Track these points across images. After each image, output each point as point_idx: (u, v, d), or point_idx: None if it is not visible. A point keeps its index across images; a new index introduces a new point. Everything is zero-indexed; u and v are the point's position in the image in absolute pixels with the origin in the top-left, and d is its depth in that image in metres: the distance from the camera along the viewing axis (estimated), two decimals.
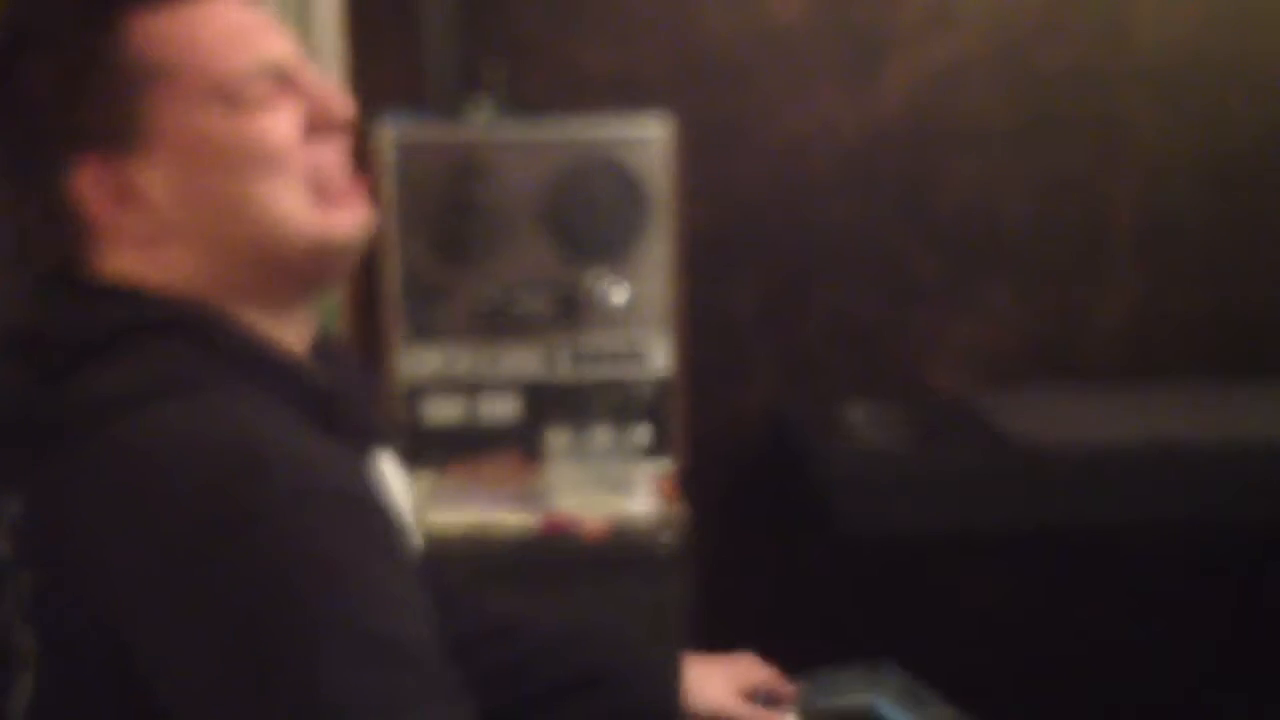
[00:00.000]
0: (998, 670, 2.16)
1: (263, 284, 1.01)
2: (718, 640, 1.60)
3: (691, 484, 2.14)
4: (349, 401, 1.04)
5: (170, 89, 0.97)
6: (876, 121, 2.38)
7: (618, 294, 2.15)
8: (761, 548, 2.42)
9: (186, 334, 0.97)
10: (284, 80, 1.01)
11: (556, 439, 2.06)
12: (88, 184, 0.98)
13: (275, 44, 1.01)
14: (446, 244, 2.16)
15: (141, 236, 0.99)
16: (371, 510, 0.93)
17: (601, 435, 2.06)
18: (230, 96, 0.98)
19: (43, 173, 0.99)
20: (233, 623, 0.86)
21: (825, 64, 2.36)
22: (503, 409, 2.18)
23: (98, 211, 0.98)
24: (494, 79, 2.22)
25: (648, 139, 2.15)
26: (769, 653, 1.59)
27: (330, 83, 1.04)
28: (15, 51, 0.99)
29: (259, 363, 0.98)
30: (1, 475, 0.98)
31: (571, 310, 2.16)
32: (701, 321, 2.33)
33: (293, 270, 1.01)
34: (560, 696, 1.40)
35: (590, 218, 2.14)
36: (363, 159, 2.28)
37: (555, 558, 1.94)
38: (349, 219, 1.03)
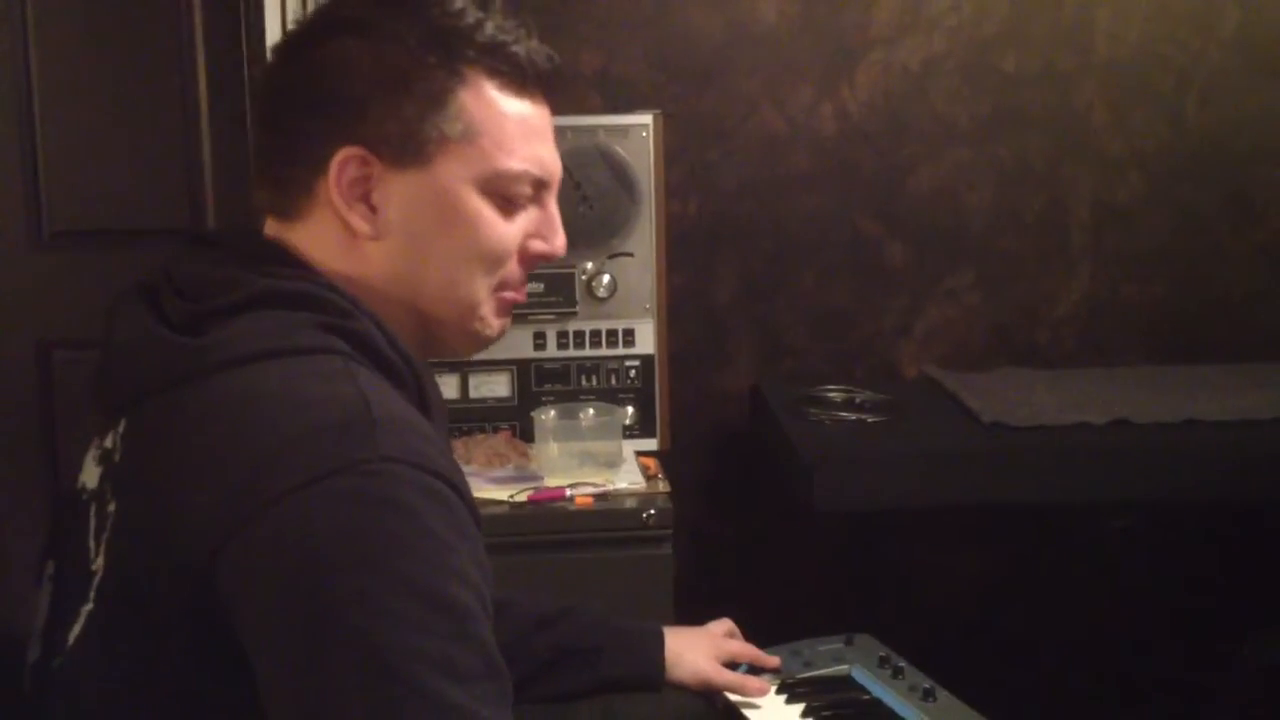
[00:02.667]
0: (969, 641, 2.22)
1: (412, 327, 1.07)
2: (699, 613, 1.65)
3: (673, 462, 2.20)
4: (438, 393, 1.10)
5: (460, 145, 1.04)
6: (850, 118, 2.43)
7: (606, 280, 2.22)
8: (740, 523, 2.48)
9: (326, 308, 1.01)
10: (538, 192, 1.09)
11: (545, 417, 2.09)
12: (345, 164, 1.02)
13: (551, 159, 1.09)
14: None
15: (349, 231, 1.04)
16: (460, 490, 0.95)
17: (588, 414, 2.11)
18: (497, 186, 1.06)
19: (320, 133, 1.03)
20: (312, 570, 0.86)
21: (802, 64, 2.41)
22: (493, 388, 2.24)
23: (334, 191, 1.03)
24: None
25: (634, 133, 2.21)
26: (748, 625, 1.65)
27: (558, 215, 1.12)
28: (357, 29, 1.04)
29: (382, 350, 1.02)
30: (110, 408, 1.03)
31: (561, 294, 2.22)
32: (684, 307, 2.40)
33: (440, 338, 1.09)
34: (546, 672, 1.43)
35: (579, 206, 2.19)
36: None
37: (543, 532, 1.96)
38: (503, 326, 1.13)
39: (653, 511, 1.97)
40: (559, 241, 1.12)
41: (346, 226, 1.04)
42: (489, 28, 1.05)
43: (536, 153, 1.08)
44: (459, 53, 1.04)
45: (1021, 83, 2.45)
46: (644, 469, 2.10)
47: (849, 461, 2.01)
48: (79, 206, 2.40)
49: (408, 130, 1.03)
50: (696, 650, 1.54)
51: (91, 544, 0.99)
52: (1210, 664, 1.91)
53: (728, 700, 1.53)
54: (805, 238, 2.47)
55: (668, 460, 2.19)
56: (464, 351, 1.14)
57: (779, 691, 1.55)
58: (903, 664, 1.60)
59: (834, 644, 1.67)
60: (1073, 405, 2.12)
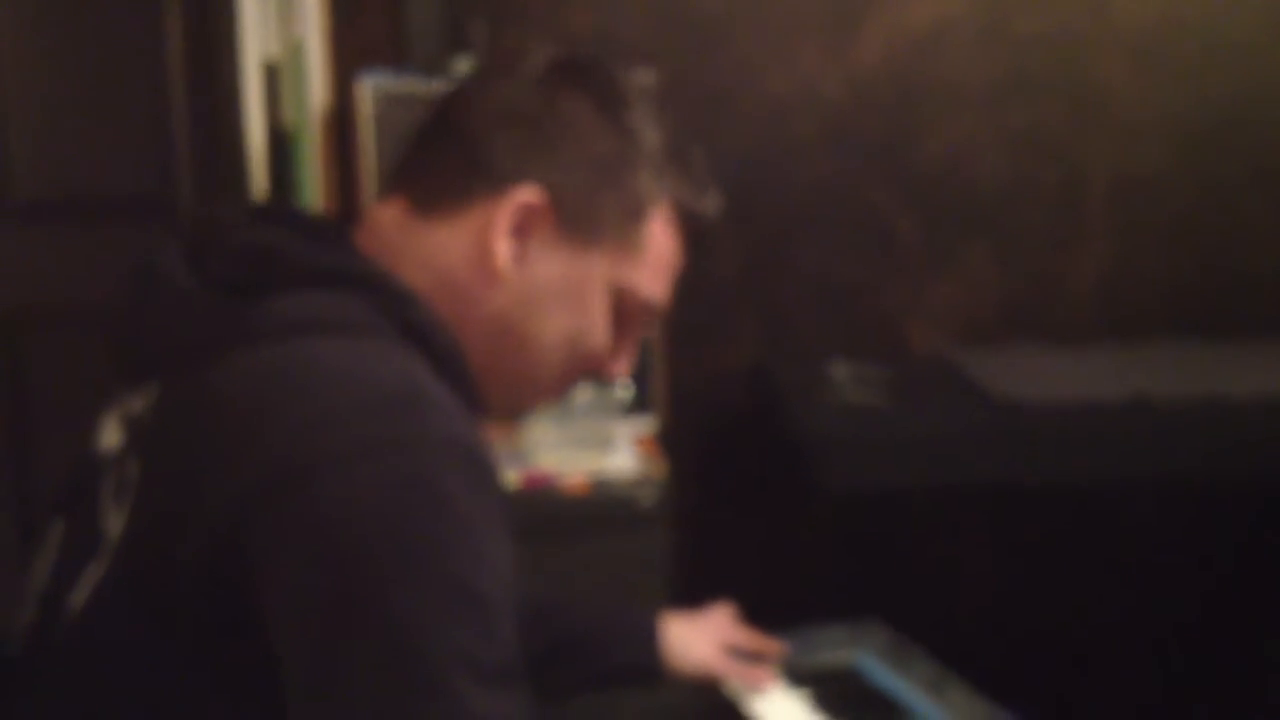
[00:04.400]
0: (980, 626, 2.19)
1: (470, 372, 1.05)
2: (699, 598, 1.60)
3: (672, 442, 2.15)
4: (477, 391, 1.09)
5: (624, 251, 1.08)
6: (856, 82, 2.38)
7: None
8: (742, 505, 2.42)
9: (386, 292, 1.01)
10: (647, 319, 1.14)
11: None
12: (527, 196, 1.04)
13: (667, 299, 1.14)
14: None
15: (480, 253, 1.05)
16: (498, 482, 0.94)
17: (583, 393, 2.06)
18: (628, 302, 1.10)
19: (517, 160, 1.05)
20: (348, 548, 0.86)
21: (806, 24, 2.35)
22: None
23: (501, 213, 1.04)
24: (476, 37, 2.20)
25: None
26: (751, 610, 1.60)
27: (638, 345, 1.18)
28: (600, 100, 1.08)
29: (435, 341, 1.01)
30: (139, 369, 1.01)
31: None
32: (684, 280, 2.33)
33: (488, 396, 1.07)
34: (542, 666, 1.38)
35: None
36: (342, 116, 2.26)
37: (536, 514, 1.94)
38: (546, 403, 1.17)
39: (648, 494, 1.94)
40: (625, 369, 1.17)
41: (481, 247, 1.05)
42: (696, 169, 1.12)
43: (667, 290, 1.13)
44: (670, 179, 1.09)
45: (1036, 46, 2.39)
46: (640, 449, 2.05)
47: (857, 443, 2.01)
48: (45, 175, 2.35)
49: (594, 210, 1.07)
50: (697, 638, 1.50)
51: (107, 506, 0.98)
52: (1242, 653, 1.87)
53: (730, 690, 1.47)
54: (810, 208, 2.42)
55: (666, 442, 2.14)
56: (487, 415, 1.13)
57: (784, 680, 1.48)
58: (912, 651, 1.54)
59: (840, 631, 1.62)
60: (1089, 383, 2.10)
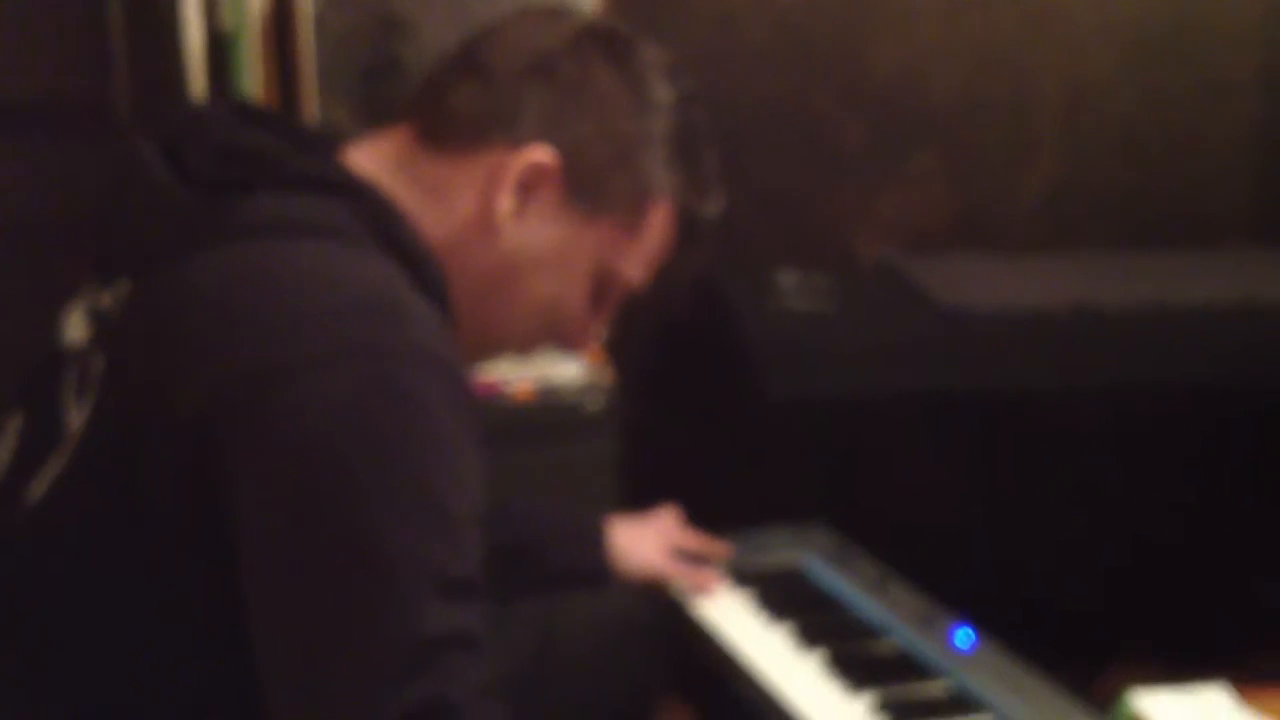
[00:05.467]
0: (924, 530, 2.20)
1: (447, 291, 1.04)
2: (647, 504, 1.60)
3: (620, 349, 2.13)
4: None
5: (620, 230, 1.07)
6: None
7: None
8: (689, 412, 2.40)
9: (368, 202, 0.99)
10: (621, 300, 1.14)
11: None
12: (540, 155, 1.03)
13: (642, 278, 1.13)
14: (369, 107, 2.10)
15: (481, 200, 1.04)
16: (472, 397, 0.94)
17: None
18: (609, 281, 1.10)
19: (537, 116, 1.04)
20: (322, 450, 0.85)
21: None
22: None
23: (512, 163, 1.03)
24: None
25: (577, 3, 2.11)
26: (697, 515, 1.61)
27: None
28: (628, 76, 1.07)
29: (415, 255, 1.00)
30: (112, 265, 1.00)
31: None
32: None
33: (462, 335, 1.04)
34: (490, 568, 1.41)
35: None
36: (281, 18, 2.20)
37: (483, 422, 1.92)
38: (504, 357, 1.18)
39: (595, 401, 1.94)
40: (586, 343, 1.17)
41: (484, 196, 1.04)
42: (706, 170, 1.12)
43: (648, 273, 1.13)
44: (678, 174, 1.09)
45: None
46: (588, 358, 2.03)
47: (803, 351, 2.00)
48: None
49: (603, 186, 1.06)
50: (643, 541, 1.51)
51: (69, 400, 0.96)
52: (1187, 556, 1.90)
53: (676, 591, 1.48)
54: (760, 116, 2.38)
55: (613, 349, 2.11)
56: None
57: (729, 581, 1.49)
58: (855, 552, 1.56)
59: (785, 533, 1.64)
60: (1035, 291, 2.10)
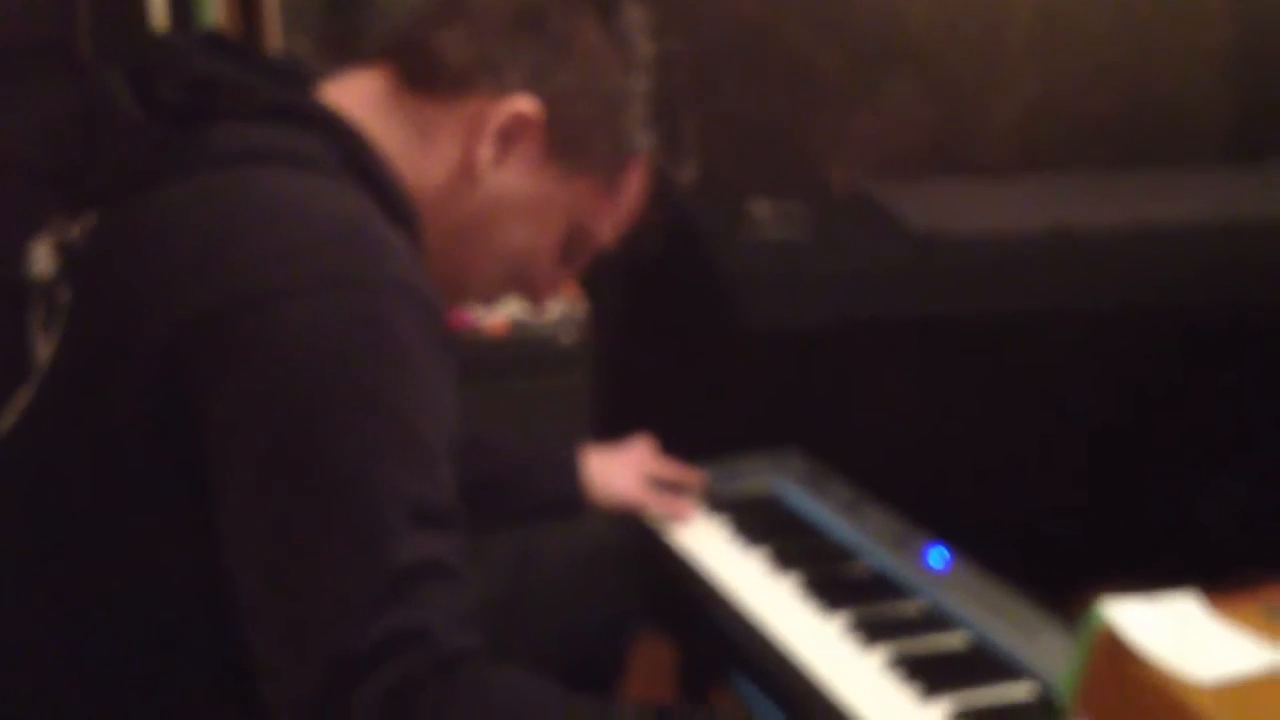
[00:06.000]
0: (900, 456, 2.20)
1: (419, 225, 1.03)
2: (622, 436, 1.59)
3: (594, 283, 2.12)
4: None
5: (597, 190, 1.08)
6: None
7: None
8: (664, 345, 2.40)
9: (337, 136, 0.98)
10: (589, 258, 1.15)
11: None
12: (524, 107, 1.02)
13: (613, 237, 1.14)
14: (333, 41, 2.07)
15: (462, 149, 1.03)
16: (447, 330, 0.94)
17: None
18: (580, 240, 1.11)
19: (522, 67, 1.03)
20: (297, 382, 0.85)
21: None
22: None
23: (494, 115, 1.02)
24: None
25: None
26: (673, 446, 1.60)
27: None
28: (613, 32, 1.06)
29: (387, 188, 0.99)
30: (79, 197, 0.99)
31: None
32: None
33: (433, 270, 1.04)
34: (466, 499, 1.41)
35: None
36: None
37: (457, 357, 1.91)
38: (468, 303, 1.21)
39: (570, 334, 1.92)
40: (551, 296, 1.18)
41: (464, 142, 1.03)
42: (685, 136, 1.12)
43: (618, 232, 1.14)
44: (657, 136, 1.09)
45: None
46: (561, 291, 2.00)
47: (777, 280, 1.99)
48: None
49: (585, 142, 1.06)
50: (618, 470, 1.51)
51: (36, 334, 0.96)
52: (1162, 483, 1.91)
53: (652, 519, 1.48)
54: (732, 44, 2.34)
55: (586, 282, 2.09)
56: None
57: (704, 508, 1.49)
58: (830, 477, 1.56)
59: (759, 460, 1.63)
60: (1010, 215, 2.08)
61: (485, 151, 1.03)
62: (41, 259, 1.00)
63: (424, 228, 1.03)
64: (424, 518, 0.86)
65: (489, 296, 1.17)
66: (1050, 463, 1.98)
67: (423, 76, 1.04)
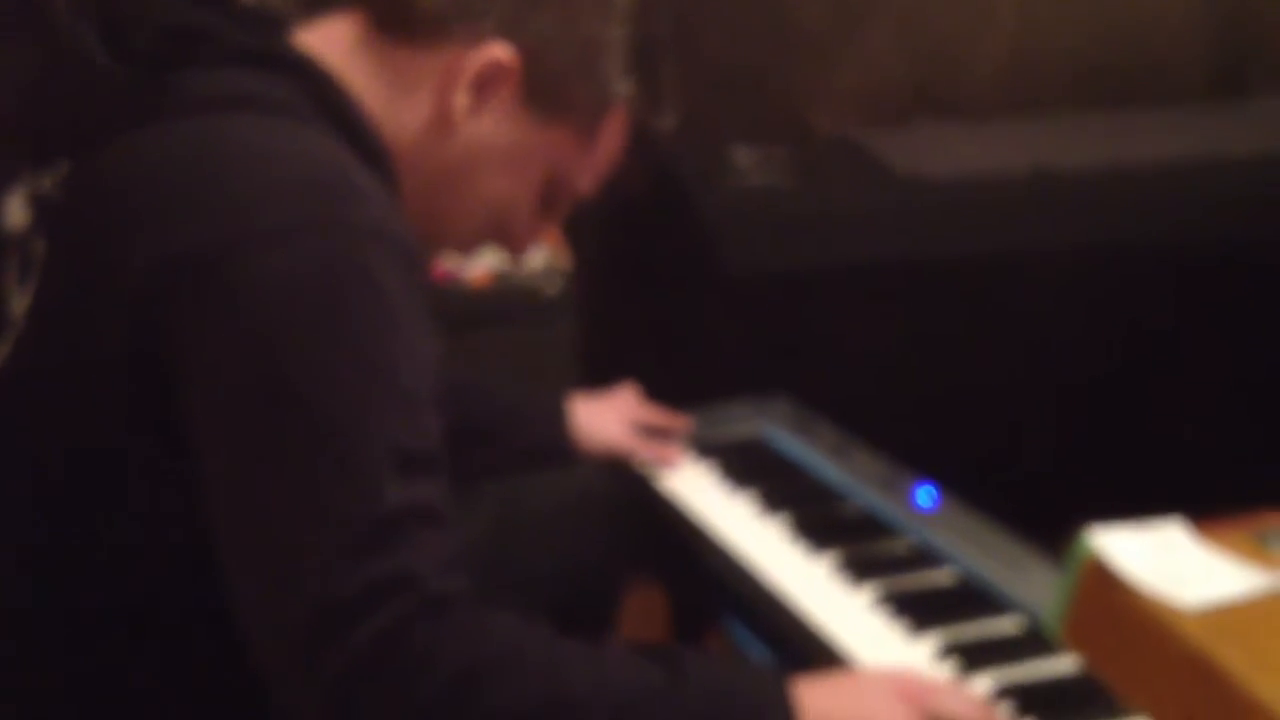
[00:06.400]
0: (885, 398, 2.21)
1: (394, 171, 1.02)
2: (607, 386, 1.60)
3: (577, 232, 2.11)
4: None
5: (574, 139, 1.06)
6: None
7: None
8: (648, 293, 2.39)
9: (311, 81, 0.97)
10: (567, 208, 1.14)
11: None
12: (500, 55, 1.01)
13: (592, 188, 1.13)
14: None
15: (436, 98, 1.01)
16: (425, 276, 0.95)
17: None
18: (560, 190, 1.10)
19: (498, 16, 1.02)
20: (273, 330, 0.84)
21: None
22: None
23: (469, 63, 1.00)
24: None
25: None
26: (659, 394, 1.60)
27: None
28: None
29: (362, 133, 0.98)
30: (50, 147, 0.98)
31: None
32: None
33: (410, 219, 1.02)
34: (452, 449, 1.40)
35: None
36: None
37: (440, 309, 1.90)
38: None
39: (554, 285, 1.91)
40: (529, 246, 1.16)
41: (440, 90, 1.02)
42: (665, 85, 1.12)
43: (597, 182, 1.13)
44: (639, 84, 1.08)
45: None
46: (545, 242, 2.00)
47: (760, 226, 1.97)
48: None
49: (563, 91, 1.04)
50: (604, 418, 1.51)
51: (11, 287, 0.95)
52: (1147, 424, 1.92)
53: (640, 466, 1.48)
54: None
55: (570, 232, 2.08)
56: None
57: (691, 454, 1.49)
58: (817, 420, 1.56)
59: (746, 405, 1.63)
60: (992, 157, 2.07)
61: (461, 100, 1.02)
62: (14, 212, 0.99)
63: (400, 177, 1.02)
64: (407, 463, 0.85)
65: (466, 246, 1.17)
66: (1037, 402, 1.98)
67: (397, 23, 1.02)
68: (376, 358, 0.86)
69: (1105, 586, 0.77)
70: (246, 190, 0.88)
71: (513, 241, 1.15)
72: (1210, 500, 0.99)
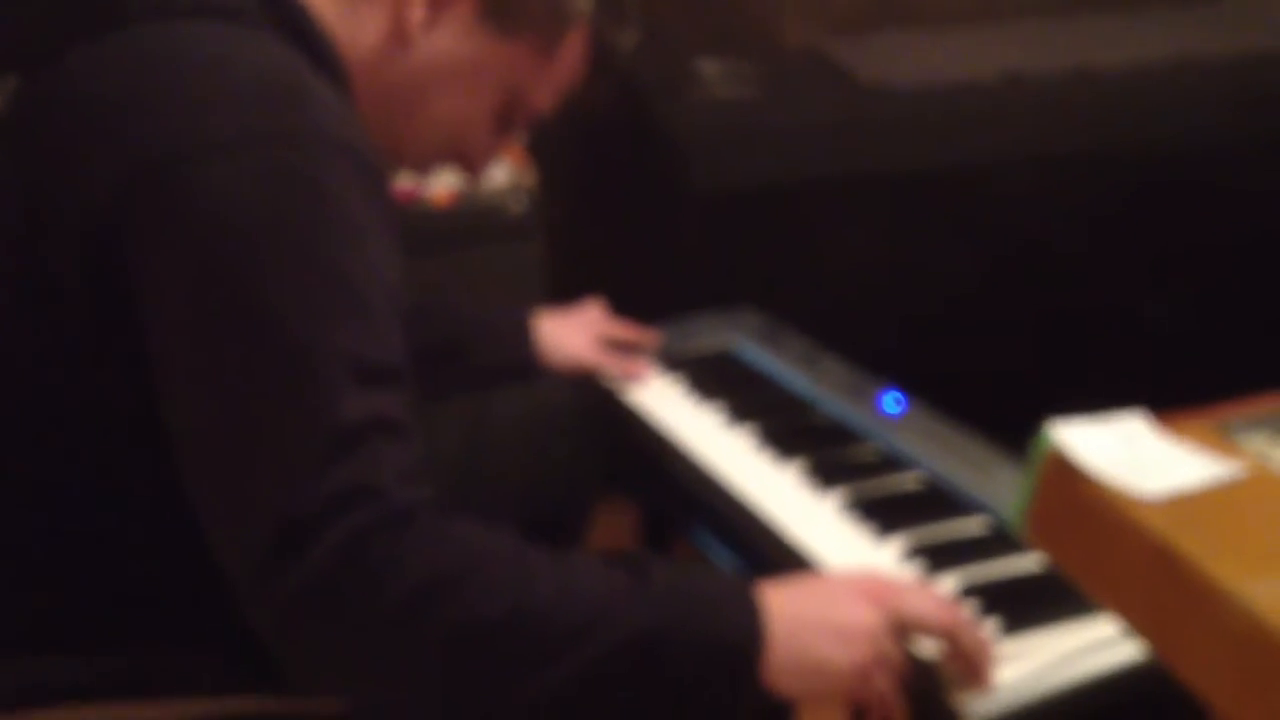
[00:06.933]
0: (855, 308, 2.20)
1: (349, 80, 1.00)
2: (574, 303, 1.59)
3: (542, 149, 2.08)
4: None
5: (534, 55, 1.05)
6: None
7: None
8: (616, 209, 2.38)
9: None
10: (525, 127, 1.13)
11: None
12: None
13: (550, 105, 1.12)
14: None
15: (389, 11, 1.00)
16: (384, 185, 0.93)
17: None
18: (517, 109, 1.09)
19: None
20: (229, 241, 0.83)
21: None
22: None
23: None
24: None
25: None
26: (628, 310, 1.58)
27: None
28: None
29: (315, 39, 0.96)
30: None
31: None
32: None
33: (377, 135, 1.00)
34: (417, 366, 1.39)
35: None
36: None
37: (403, 229, 1.88)
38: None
39: (519, 203, 1.89)
40: (486, 166, 1.15)
41: (394, 5, 1.00)
42: (627, 1, 1.12)
43: (557, 100, 1.12)
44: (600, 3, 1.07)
45: None
46: (509, 161, 1.98)
47: (727, 139, 1.95)
48: None
49: (521, 5, 1.03)
50: (570, 332, 1.50)
51: None
52: (1122, 331, 1.92)
53: (607, 380, 1.47)
54: None
55: (535, 150, 2.06)
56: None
57: (659, 368, 1.48)
58: (785, 331, 1.55)
59: (714, 318, 1.62)
60: (960, 64, 2.05)
61: (416, 13, 1.00)
62: None
63: (357, 95, 1.00)
64: (367, 374, 0.84)
65: (423, 165, 1.16)
66: (1005, 308, 1.98)
67: None
68: (334, 268, 0.85)
69: (1066, 479, 0.76)
70: (203, 98, 0.86)
71: (469, 160, 1.14)
72: (1177, 400, 0.99)
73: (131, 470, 0.92)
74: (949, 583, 1.02)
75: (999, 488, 1.14)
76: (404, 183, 1.90)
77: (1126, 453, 0.77)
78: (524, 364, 1.45)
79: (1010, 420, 1.32)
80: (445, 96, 1.05)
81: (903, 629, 0.91)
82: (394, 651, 0.82)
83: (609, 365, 1.48)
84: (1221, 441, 0.80)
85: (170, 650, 0.95)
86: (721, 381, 1.44)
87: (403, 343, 0.89)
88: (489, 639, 0.82)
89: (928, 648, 0.92)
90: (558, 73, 1.09)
